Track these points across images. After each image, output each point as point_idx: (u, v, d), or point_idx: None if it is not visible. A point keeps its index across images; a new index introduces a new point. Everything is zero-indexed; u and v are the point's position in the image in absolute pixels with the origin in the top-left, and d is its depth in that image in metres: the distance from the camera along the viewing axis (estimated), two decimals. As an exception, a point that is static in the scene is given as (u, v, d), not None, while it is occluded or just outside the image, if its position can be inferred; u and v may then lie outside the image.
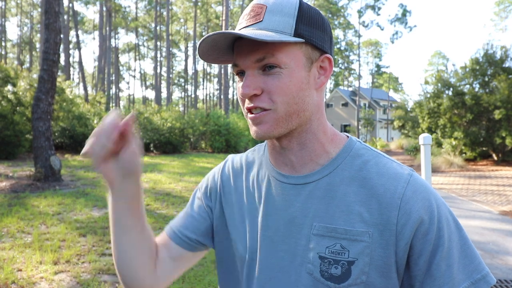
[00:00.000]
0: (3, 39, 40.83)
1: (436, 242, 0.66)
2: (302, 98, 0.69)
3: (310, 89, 0.70)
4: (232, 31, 0.65)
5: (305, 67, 0.69)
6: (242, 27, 0.69)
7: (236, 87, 0.73)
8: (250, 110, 0.70)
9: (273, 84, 0.67)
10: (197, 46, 0.69)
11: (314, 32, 0.69)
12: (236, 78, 0.73)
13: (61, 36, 8.45)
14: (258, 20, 0.67)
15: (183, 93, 59.99)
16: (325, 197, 0.70)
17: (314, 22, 0.69)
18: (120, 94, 58.62)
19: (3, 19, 40.52)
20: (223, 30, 0.65)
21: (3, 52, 39.22)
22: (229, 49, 0.73)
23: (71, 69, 45.42)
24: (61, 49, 8.39)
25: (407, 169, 0.72)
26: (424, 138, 3.56)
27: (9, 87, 13.15)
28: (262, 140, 0.73)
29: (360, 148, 0.75)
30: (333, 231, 0.68)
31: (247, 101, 0.70)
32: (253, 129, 0.71)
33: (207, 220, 0.85)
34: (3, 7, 40.63)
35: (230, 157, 0.91)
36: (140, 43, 56.05)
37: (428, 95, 16.77)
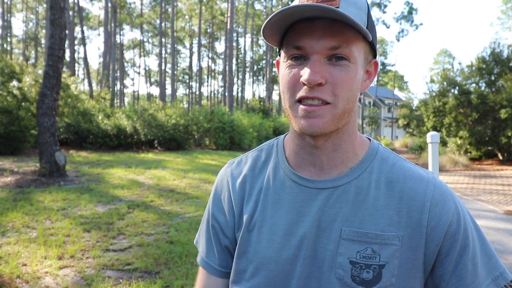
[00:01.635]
0: (8, 34, 41.01)
1: (463, 243, 0.67)
2: (356, 97, 0.67)
3: (359, 90, 0.68)
4: (327, 6, 0.58)
5: (363, 67, 0.67)
6: (316, 1, 0.62)
7: (284, 72, 0.66)
8: (301, 101, 0.65)
9: (339, 76, 0.63)
10: (272, 15, 0.61)
11: (374, 33, 0.67)
12: (285, 61, 0.66)
13: (66, 32, 8.47)
14: (334, 5, 0.61)
15: (187, 90, 60.06)
16: (354, 201, 0.69)
17: (373, 23, 0.68)
18: (125, 90, 58.86)
19: (8, 15, 40.70)
20: (312, 3, 0.58)
21: (8, 48, 39.41)
22: (285, 28, 0.65)
23: (76, 65, 45.56)
24: (66, 45, 8.40)
25: (430, 173, 0.73)
26: (432, 136, 3.53)
27: (15, 83, 13.21)
28: (312, 135, 0.66)
29: (384, 151, 0.75)
30: (364, 235, 0.67)
31: (304, 89, 0.64)
32: (302, 122, 0.65)
33: (228, 246, 0.81)
34: (8, 2, 40.80)
35: (233, 163, 0.84)
36: (145, 39, 56.16)
37: (434, 94, 16.67)
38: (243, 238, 0.76)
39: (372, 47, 0.67)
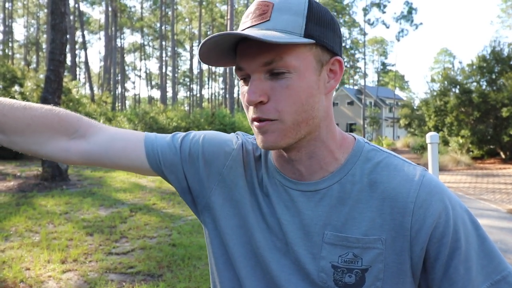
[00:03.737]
0: (10, 40, 41.18)
1: (453, 245, 0.63)
2: (312, 105, 0.64)
3: (319, 94, 0.65)
4: (236, 31, 0.59)
5: (315, 71, 0.64)
6: (247, 27, 0.63)
7: (240, 92, 0.68)
8: (255, 118, 0.65)
9: (280, 91, 0.62)
10: (198, 49, 0.63)
11: (324, 32, 0.63)
12: (240, 82, 0.67)
13: (67, 36, 8.50)
14: (265, 20, 0.61)
15: (188, 92, 60.18)
16: (336, 205, 0.68)
17: (324, 21, 0.64)
18: (126, 94, 58.95)
19: (10, 20, 40.87)
20: (226, 31, 0.60)
21: (10, 53, 39.56)
22: (231, 50, 0.67)
23: (77, 69, 45.70)
24: (67, 50, 8.44)
25: (419, 169, 0.69)
26: (431, 137, 3.52)
27: (16, 88, 13.29)
28: (268, 149, 0.67)
29: (369, 150, 0.71)
30: (344, 240, 0.66)
31: (251, 109, 0.65)
32: (259, 138, 0.66)
33: (183, 181, 0.78)
34: (10, 8, 40.98)
35: (243, 138, 0.81)
36: (146, 43, 56.30)
37: (435, 93, 16.67)
38: (225, 214, 0.75)
39: (326, 47, 0.64)
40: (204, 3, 45.63)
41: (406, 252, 0.64)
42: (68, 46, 8.77)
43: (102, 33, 54.99)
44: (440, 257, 0.64)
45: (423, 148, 17.63)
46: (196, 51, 54.24)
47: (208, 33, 52.15)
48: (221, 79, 59.12)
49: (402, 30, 43.20)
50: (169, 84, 47.66)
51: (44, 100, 8.21)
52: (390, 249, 0.64)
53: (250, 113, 0.65)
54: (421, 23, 44.14)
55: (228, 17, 25.52)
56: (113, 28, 40.41)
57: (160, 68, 37.66)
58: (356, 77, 66.20)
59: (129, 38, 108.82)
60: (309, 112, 0.64)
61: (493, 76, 14.93)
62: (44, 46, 44.40)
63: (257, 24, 0.62)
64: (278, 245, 0.71)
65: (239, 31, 0.62)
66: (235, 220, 0.75)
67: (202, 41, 0.62)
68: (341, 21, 51.32)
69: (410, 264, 0.65)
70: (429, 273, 0.65)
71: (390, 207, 0.65)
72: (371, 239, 0.65)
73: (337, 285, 0.66)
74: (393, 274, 0.65)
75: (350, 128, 44.81)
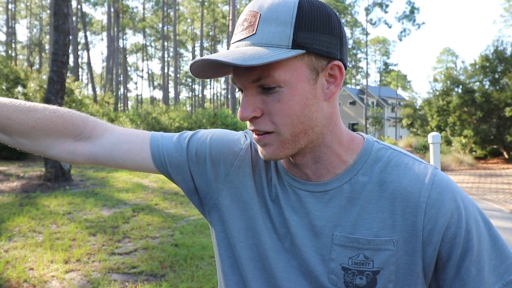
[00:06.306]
0: (13, 41, 41.34)
1: (465, 246, 0.62)
2: (308, 116, 0.62)
3: (317, 102, 0.63)
4: (209, 57, 0.58)
5: (309, 80, 0.61)
6: (236, 40, 0.62)
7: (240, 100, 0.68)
8: (252, 130, 0.65)
9: (273, 105, 0.61)
10: (190, 71, 0.64)
11: (317, 37, 0.59)
12: (239, 93, 0.67)
13: (70, 37, 8.52)
14: (251, 33, 0.60)
15: (190, 92, 60.28)
16: (346, 205, 0.66)
17: (318, 25, 0.60)
18: (128, 94, 59.13)
19: (13, 21, 41.04)
20: (203, 57, 0.59)
21: (13, 54, 39.72)
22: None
23: (80, 70, 45.86)
24: (70, 51, 8.47)
25: (430, 168, 0.67)
26: (433, 137, 3.52)
27: (19, 88, 13.34)
28: (269, 160, 0.66)
29: (378, 149, 0.69)
30: (355, 241, 0.64)
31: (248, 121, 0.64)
32: (259, 150, 0.66)
33: (190, 182, 0.78)
34: (13, 9, 41.15)
35: (251, 137, 0.78)
36: (148, 43, 56.42)
37: (437, 93, 16.63)
38: (234, 215, 0.74)
39: (320, 53, 0.60)
40: (206, 3, 45.68)
41: (419, 253, 0.63)
42: (70, 47, 8.81)
43: (104, 34, 55.20)
44: (452, 257, 0.62)
45: (425, 148, 17.59)
46: (198, 51, 54.32)
47: (210, 33, 52.23)
48: (223, 79, 59.16)
49: (405, 30, 43.15)
50: (171, 84, 47.72)
51: (47, 101, 8.23)
52: (402, 250, 0.63)
53: (248, 124, 0.65)
54: (423, 23, 44.01)
55: (230, 17, 25.55)
56: (115, 29, 40.51)
57: (162, 68, 37.73)
58: (358, 77, 66.15)
59: (131, 38, 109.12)
60: (306, 123, 0.62)
61: (496, 76, 14.88)
62: (47, 47, 44.56)
63: (244, 39, 0.61)
64: (286, 246, 0.70)
65: (216, 54, 0.60)
66: (242, 222, 0.73)
67: (190, 63, 0.62)
68: (343, 21, 51.24)
69: (422, 266, 0.64)
70: (440, 273, 0.64)
71: (401, 207, 0.64)
72: (383, 241, 0.63)
73: (347, 287, 0.65)
74: (405, 275, 0.64)
75: (352, 128, 44.69)
